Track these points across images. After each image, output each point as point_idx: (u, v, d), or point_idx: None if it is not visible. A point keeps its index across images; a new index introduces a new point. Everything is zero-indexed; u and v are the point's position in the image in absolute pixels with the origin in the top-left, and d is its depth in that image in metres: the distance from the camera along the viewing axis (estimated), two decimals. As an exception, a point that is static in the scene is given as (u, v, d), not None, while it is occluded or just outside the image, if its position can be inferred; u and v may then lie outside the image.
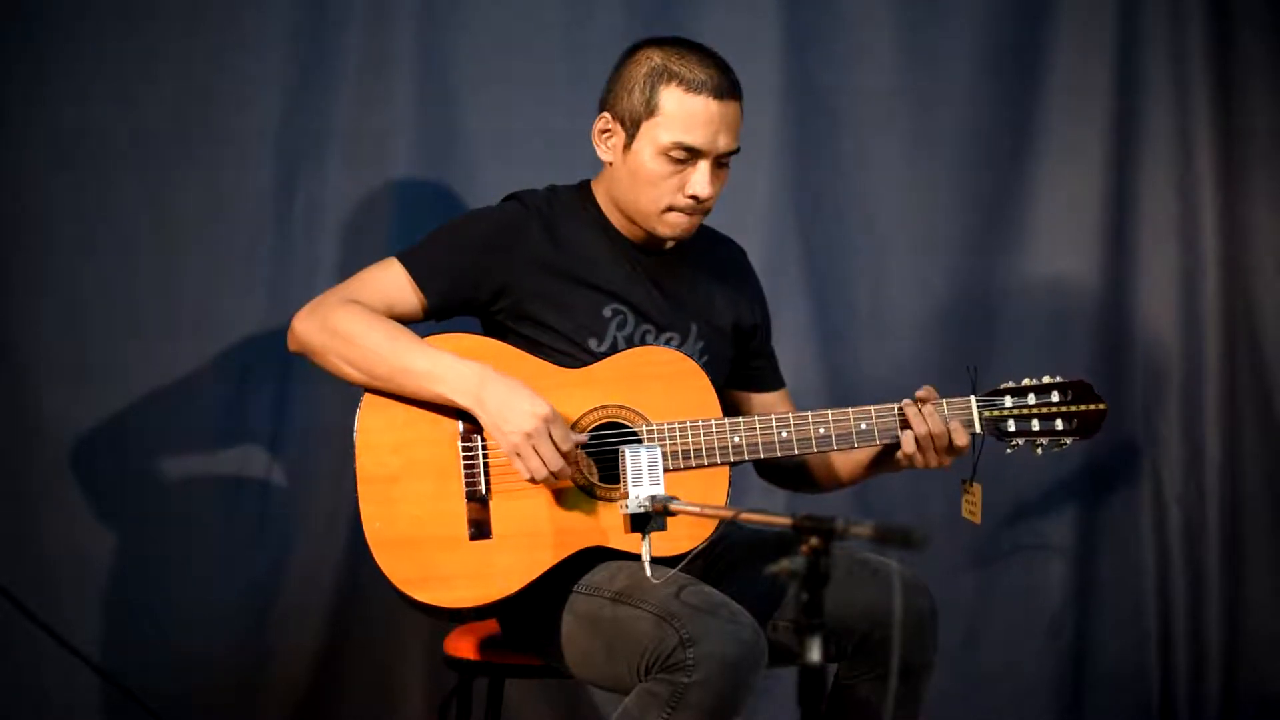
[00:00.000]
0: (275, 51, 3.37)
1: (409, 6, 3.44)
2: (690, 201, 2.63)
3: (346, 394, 2.66)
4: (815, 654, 1.89)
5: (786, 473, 2.89)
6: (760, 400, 2.86)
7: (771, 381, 2.89)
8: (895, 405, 2.63)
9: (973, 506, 2.73)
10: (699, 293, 2.77)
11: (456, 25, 3.48)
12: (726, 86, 2.62)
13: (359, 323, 2.57)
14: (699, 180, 2.61)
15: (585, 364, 2.62)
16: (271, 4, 3.36)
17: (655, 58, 2.63)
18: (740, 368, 2.83)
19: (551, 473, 2.49)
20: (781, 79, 3.65)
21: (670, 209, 2.64)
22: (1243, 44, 3.86)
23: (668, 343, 2.69)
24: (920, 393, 2.64)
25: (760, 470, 2.91)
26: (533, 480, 2.50)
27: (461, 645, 2.76)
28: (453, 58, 3.48)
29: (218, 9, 3.34)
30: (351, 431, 2.56)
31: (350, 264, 3.17)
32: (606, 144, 2.68)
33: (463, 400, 2.52)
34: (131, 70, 3.28)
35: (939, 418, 2.61)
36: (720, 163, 2.64)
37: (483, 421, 2.52)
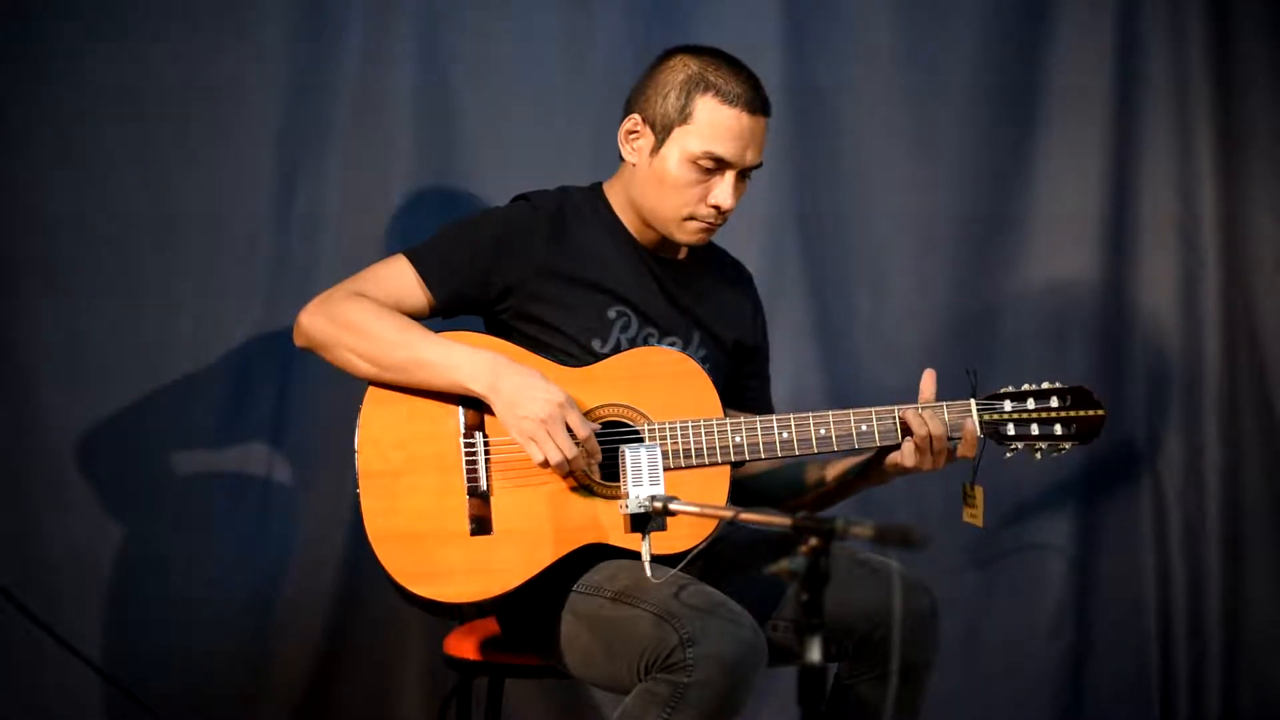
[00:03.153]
0: (275, 51, 3.37)
1: (409, 6, 3.44)
2: (711, 211, 2.65)
3: (346, 394, 2.66)
4: (815, 654, 1.89)
5: (769, 499, 2.84)
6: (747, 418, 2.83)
7: (762, 404, 2.87)
8: (893, 408, 2.63)
9: (975, 510, 2.72)
10: (705, 304, 2.77)
11: (456, 25, 3.48)
12: (759, 102, 2.64)
13: (369, 315, 2.58)
14: (723, 191, 2.63)
15: (588, 364, 2.63)
16: (271, 4, 3.36)
17: (692, 65, 2.64)
18: (733, 385, 2.82)
19: (565, 458, 2.49)
20: (781, 79, 3.65)
21: (691, 217, 2.66)
22: (1243, 44, 3.87)
23: (670, 346, 2.70)
24: (924, 379, 2.64)
25: (741, 500, 2.83)
26: (545, 464, 2.50)
27: (461, 645, 2.76)
28: (453, 58, 3.48)
29: (217, 9, 3.33)
30: (352, 431, 2.56)
31: (350, 264, 3.15)
32: (633, 145, 2.69)
33: (477, 387, 2.52)
34: (131, 70, 3.28)
35: (939, 420, 2.61)
36: (743, 175, 2.66)
37: (496, 408, 2.52)
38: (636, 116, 2.68)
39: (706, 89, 2.62)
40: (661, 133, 2.64)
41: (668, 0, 3.61)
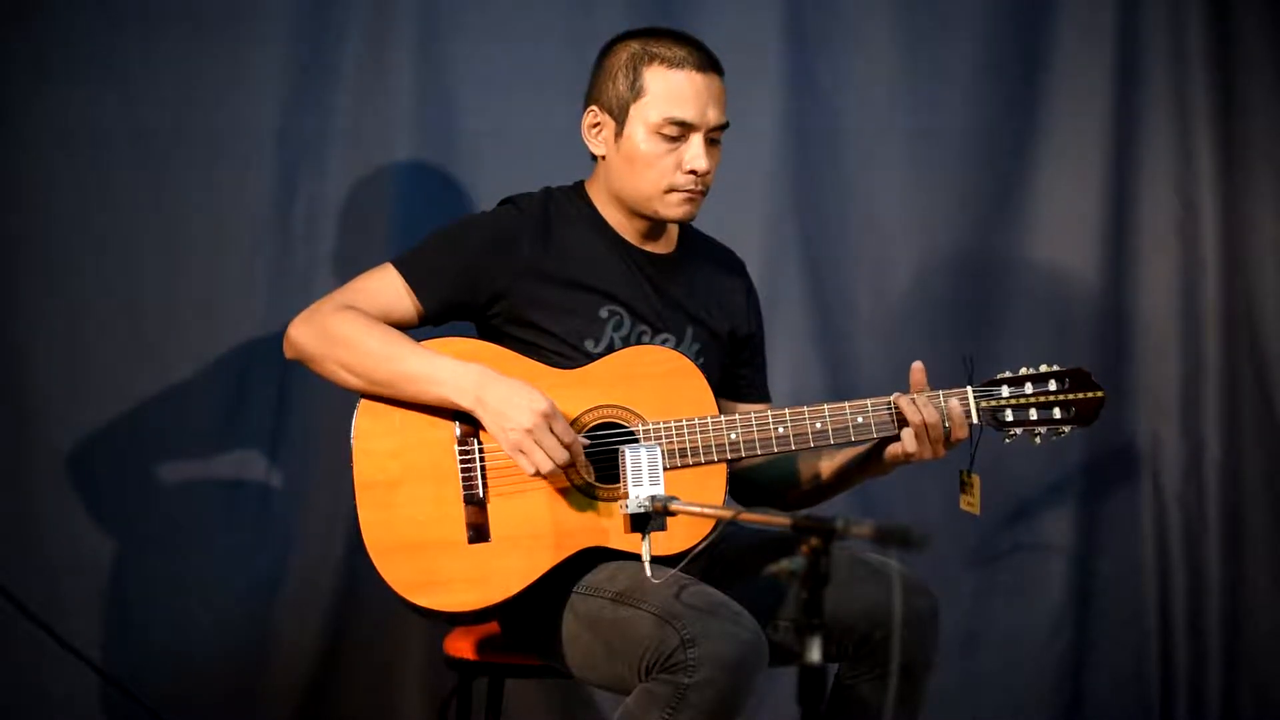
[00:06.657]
0: (275, 51, 3.37)
1: (409, 7, 3.44)
2: (689, 178, 2.64)
3: (346, 395, 2.66)
4: (815, 654, 1.89)
5: (767, 490, 2.84)
6: (743, 410, 2.82)
7: (756, 393, 2.86)
8: (889, 398, 2.62)
9: (971, 498, 2.71)
10: (697, 297, 2.76)
11: (456, 25, 3.48)
12: (707, 61, 2.65)
13: (356, 329, 2.57)
14: (694, 155, 2.63)
15: (581, 365, 2.62)
16: (272, 4, 3.37)
17: (633, 45, 2.67)
18: (727, 375, 2.82)
19: (556, 465, 2.49)
20: (782, 78, 3.65)
21: (671, 189, 2.65)
22: (1243, 44, 3.87)
23: (664, 344, 2.69)
24: (913, 372, 2.63)
25: (738, 493, 2.85)
26: (538, 474, 2.50)
27: (461, 645, 2.76)
28: (453, 58, 3.48)
29: (218, 9, 3.34)
30: (350, 432, 2.56)
31: (350, 265, 3.17)
32: (597, 138, 2.69)
33: (463, 401, 2.52)
34: (132, 70, 3.28)
35: (933, 407, 2.60)
36: (711, 139, 2.66)
37: (484, 421, 2.52)
38: (594, 108, 2.69)
39: (651, 60, 2.64)
40: (620, 114, 2.65)
41: (668, -1, 3.61)
